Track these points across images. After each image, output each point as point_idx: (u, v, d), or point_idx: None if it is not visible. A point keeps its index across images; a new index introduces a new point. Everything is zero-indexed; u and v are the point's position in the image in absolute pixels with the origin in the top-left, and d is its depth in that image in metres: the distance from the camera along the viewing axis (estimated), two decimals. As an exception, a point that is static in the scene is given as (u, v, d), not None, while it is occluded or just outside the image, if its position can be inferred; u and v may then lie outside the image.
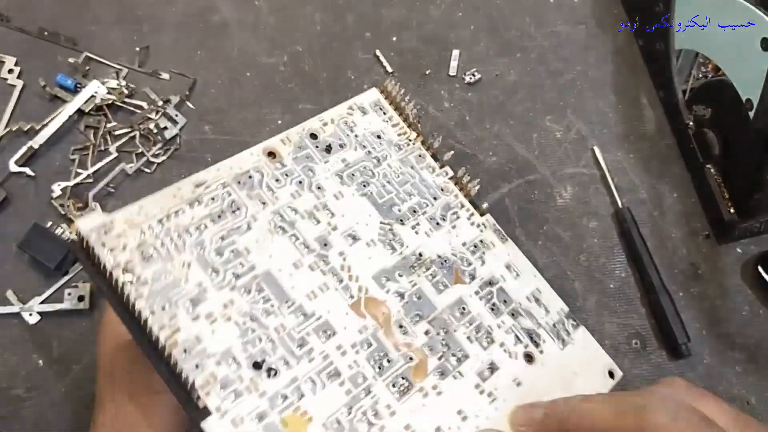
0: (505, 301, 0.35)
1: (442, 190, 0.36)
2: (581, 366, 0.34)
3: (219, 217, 0.30)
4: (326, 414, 0.29)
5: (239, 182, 0.32)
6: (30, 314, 0.43)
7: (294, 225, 0.32)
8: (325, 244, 0.32)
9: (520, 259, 0.37)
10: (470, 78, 0.50)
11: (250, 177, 0.32)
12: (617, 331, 0.45)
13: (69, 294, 0.44)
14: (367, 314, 0.31)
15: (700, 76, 0.51)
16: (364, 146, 0.35)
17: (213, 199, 0.31)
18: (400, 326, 0.32)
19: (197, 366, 0.27)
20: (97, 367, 0.36)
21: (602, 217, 0.48)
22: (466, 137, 0.49)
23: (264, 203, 0.32)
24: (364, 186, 0.34)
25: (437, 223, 0.35)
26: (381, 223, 0.34)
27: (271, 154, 0.33)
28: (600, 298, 0.45)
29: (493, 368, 0.32)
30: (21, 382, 0.43)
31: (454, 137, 0.49)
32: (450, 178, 0.37)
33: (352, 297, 0.32)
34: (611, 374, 0.35)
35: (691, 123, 0.48)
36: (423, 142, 0.37)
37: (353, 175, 0.34)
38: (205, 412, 0.27)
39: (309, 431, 0.28)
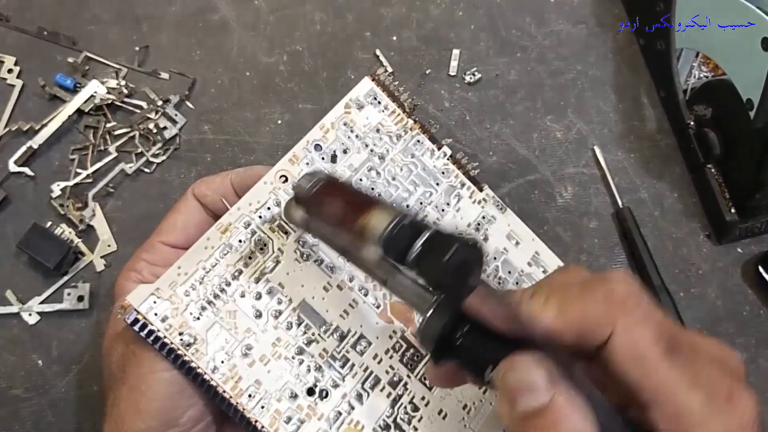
0: (509, 272, 0.38)
1: (443, 173, 0.38)
2: None
3: (250, 258, 0.33)
4: (374, 419, 0.33)
5: (260, 217, 0.33)
6: (29, 314, 0.43)
7: (317, 248, 0.34)
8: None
9: (518, 226, 0.40)
10: (470, 78, 0.50)
11: (268, 209, 0.34)
12: (617, 332, 0.45)
13: (68, 294, 0.44)
14: (394, 318, 0.35)
15: (701, 75, 0.51)
16: (366, 145, 0.36)
17: (241, 241, 0.33)
18: None
19: (263, 407, 0.31)
20: (102, 364, 0.36)
21: (602, 217, 0.48)
22: (466, 137, 0.49)
23: (286, 233, 0.34)
24: (372, 189, 0.36)
25: (443, 210, 0.37)
26: None
27: (284, 177, 0.34)
28: (600, 298, 0.45)
29: None
30: (20, 382, 0.43)
31: (454, 137, 0.48)
32: (449, 158, 0.38)
33: (378, 306, 0.35)
34: None
35: (691, 123, 0.48)
36: (420, 126, 0.38)
37: (361, 180, 0.36)
38: None
39: None
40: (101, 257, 0.45)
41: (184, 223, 0.37)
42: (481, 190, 0.39)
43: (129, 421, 0.31)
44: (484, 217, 0.38)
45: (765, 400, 0.44)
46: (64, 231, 0.45)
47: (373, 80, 0.37)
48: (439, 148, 0.38)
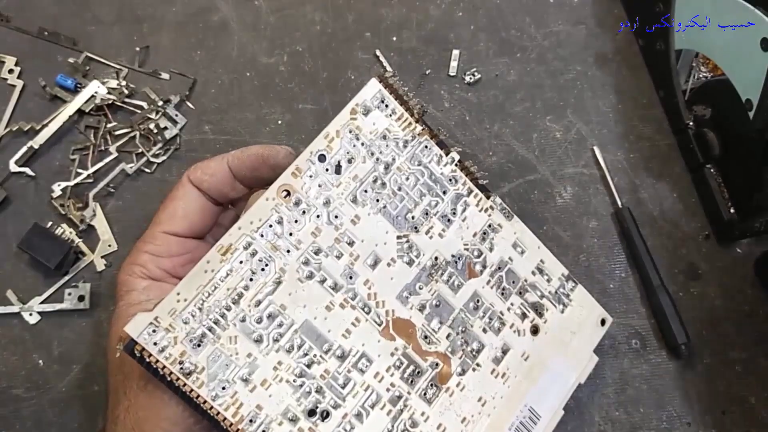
0: (513, 282, 0.38)
1: (450, 180, 0.37)
2: (578, 324, 0.40)
3: (251, 279, 0.32)
4: None
5: (262, 235, 0.33)
6: (30, 314, 0.44)
7: (320, 267, 0.34)
8: (351, 277, 0.34)
9: (525, 234, 0.39)
10: (470, 78, 0.50)
11: (270, 226, 0.33)
12: (617, 331, 0.45)
13: (69, 294, 0.44)
14: (396, 336, 0.35)
15: (700, 76, 0.51)
16: (372, 153, 0.35)
17: (241, 262, 0.32)
18: (425, 337, 0.35)
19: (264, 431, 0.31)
20: (108, 363, 0.35)
21: (602, 217, 0.48)
22: (466, 137, 0.49)
23: (288, 251, 0.33)
24: (377, 201, 0.35)
25: (449, 220, 0.37)
26: (398, 238, 0.35)
27: (286, 192, 0.33)
28: (600, 297, 0.45)
29: (504, 350, 0.37)
30: (21, 382, 0.43)
31: (454, 137, 0.49)
32: (456, 164, 0.37)
33: (380, 324, 0.34)
34: (602, 322, 0.41)
35: (691, 123, 0.48)
36: (429, 131, 0.37)
37: (366, 191, 0.35)
38: None
39: None
40: (102, 257, 0.45)
41: (185, 211, 0.35)
42: (488, 197, 0.38)
43: (149, 429, 0.31)
44: (490, 226, 0.38)
45: (765, 399, 0.44)
46: (65, 231, 0.45)
47: (380, 82, 0.35)
48: (446, 154, 0.37)
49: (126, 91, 0.47)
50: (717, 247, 0.47)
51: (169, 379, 0.30)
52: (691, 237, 0.48)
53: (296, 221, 0.33)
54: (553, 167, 0.49)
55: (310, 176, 0.34)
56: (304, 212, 0.33)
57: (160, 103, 0.47)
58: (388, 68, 0.50)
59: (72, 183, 0.45)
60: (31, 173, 0.46)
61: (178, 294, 0.31)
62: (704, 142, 0.47)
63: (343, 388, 0.33)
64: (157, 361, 0.30)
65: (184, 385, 0.30)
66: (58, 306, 0.44)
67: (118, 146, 0.47)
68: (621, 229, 0.47)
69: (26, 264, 0.45)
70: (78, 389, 0.43)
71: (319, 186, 0.34)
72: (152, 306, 0.33)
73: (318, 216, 0.34)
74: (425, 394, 0.34)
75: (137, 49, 0.49)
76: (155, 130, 0.47)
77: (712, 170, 0.47)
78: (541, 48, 0.51)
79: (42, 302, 0.44)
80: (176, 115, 0.48)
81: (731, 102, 0.43)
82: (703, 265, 0.47)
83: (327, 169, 0.34)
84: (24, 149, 0.45)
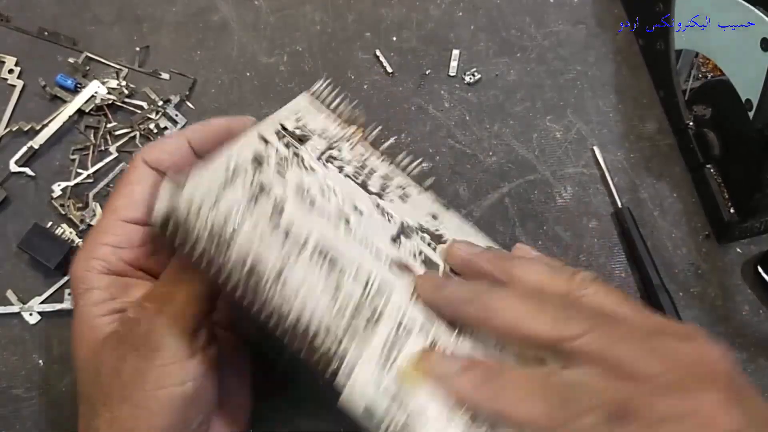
0: None
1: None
2: None
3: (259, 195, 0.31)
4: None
5: (258, 163, 0.32)
6: (30, 314, 0.44)
7: (314, 203, 0.32)
8: (346, 220, 0.33)
9: (464, 226, 0.38)
10: (470, 78, 0.50)
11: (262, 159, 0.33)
12: (617, 331, 0.45)
13: (69, 294, 0.44)
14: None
15: (700, 76, 0.51)
16: (324, 139, 0.36)
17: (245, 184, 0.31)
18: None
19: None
20: (76, 370, 0.31)
21: (602, 217, 0.48)
22: (466, 137, 0.49)
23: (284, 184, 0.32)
24: (340, 170, 0.35)
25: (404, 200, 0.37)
26: (369, 194, 0.35)
27: (263, 139, 0.34)
28: (600, 298, 0.45)
29: None
30: (21, 382, 0.43)
31: (454, 137, 0.49)
32: (390, 164, 0.38)
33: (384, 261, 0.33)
34: None
35: (691, 123, 0.48)
36: (363, 135, 0.38)
37: (331, 158, 0.36)
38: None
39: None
40: (102, 257, 0.45)
41: (143, 195, 0.32)
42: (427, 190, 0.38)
43: None
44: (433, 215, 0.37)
45: (765, 399, 0.44)
46: (65, 231, 0.45)
47: (311, 95, 0.37)
48: (381, 159, 0.37)
49: (126, 91, 0.47)
50: (717, 247, 0.47)
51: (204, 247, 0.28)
52: (691, 237, 0.48)
53: (279, 162, 0.33)
54: (553, 167, 0.49)
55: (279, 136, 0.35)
56: (285, 158, 0.34)
57: (160, 103, 0.47)
58: (388, 68, 0.50)
59: (72, 183, 0.45)
60: (31, 173, 0.46)
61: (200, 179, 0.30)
62: (704, 142, 0.47)
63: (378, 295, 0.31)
64: (196, 221, 0.28)
65: (225, 250, 0.28)
66: (58, 306, 0.44)
67: (118, 146, 0.47)
68: (621, 229, 0.47)
69: (26, 264, 0.45)
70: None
71: (286, 146, 0.34)
72: (117, 305, 0.31)
73: (298, 165, 0.34)
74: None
75: (137, 49, 0.49)
76: (155, 130, 0.47)
77: (712, 170, 0.47)
78: (541, 48, 0.51)
79: (42, 302, 0.44)
80: (176, 115, 0.48)
81: (731, 102, 0.43)
82: (703, 265, 0.47)
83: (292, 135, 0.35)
84: (24, 149, 0.45)
